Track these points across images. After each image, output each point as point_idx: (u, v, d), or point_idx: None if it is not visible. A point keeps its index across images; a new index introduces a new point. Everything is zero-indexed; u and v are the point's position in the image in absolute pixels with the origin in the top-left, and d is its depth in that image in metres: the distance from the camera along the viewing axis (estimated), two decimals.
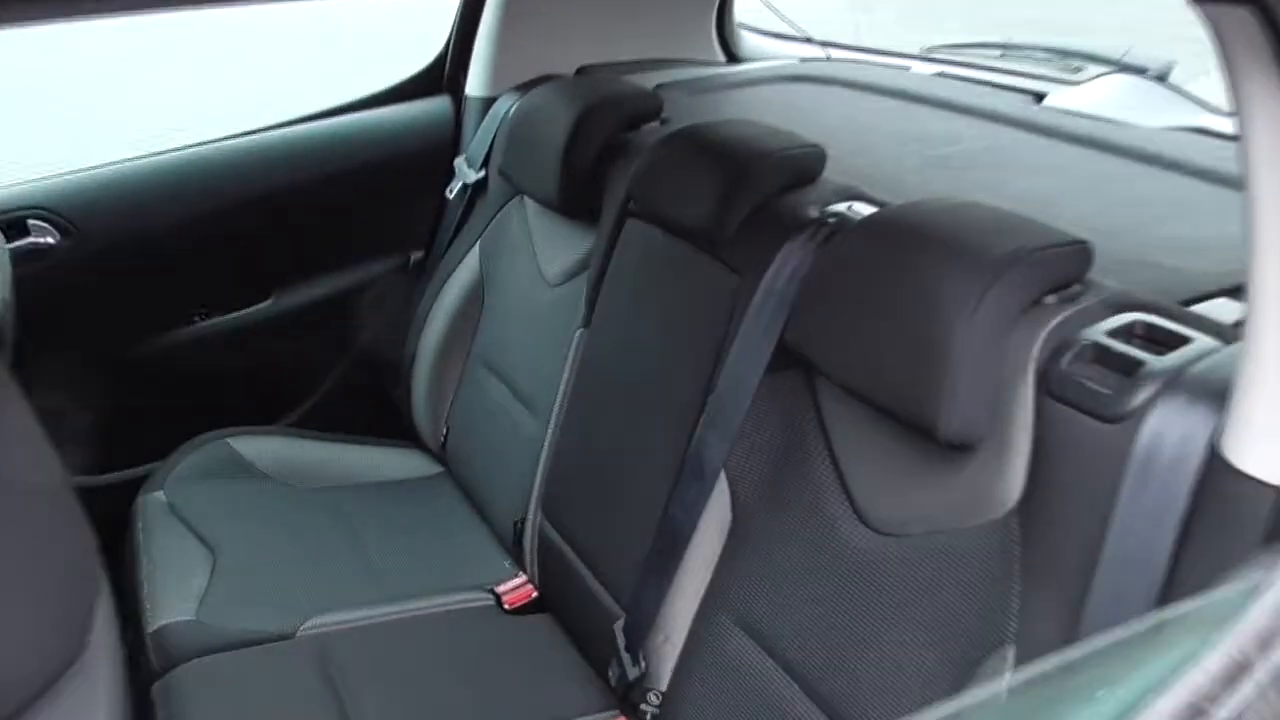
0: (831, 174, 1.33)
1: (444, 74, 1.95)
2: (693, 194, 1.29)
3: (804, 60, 2.00)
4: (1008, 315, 0.94)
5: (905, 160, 1.49)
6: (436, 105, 1.96)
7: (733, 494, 1.22)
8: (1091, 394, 0.88)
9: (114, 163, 1.78)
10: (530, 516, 1.56)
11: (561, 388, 1.54)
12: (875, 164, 1.44)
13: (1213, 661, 0.56)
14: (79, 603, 0.66)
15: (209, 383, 1.88)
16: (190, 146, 1.83)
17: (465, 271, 1.85)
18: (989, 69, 1.83)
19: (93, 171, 1.77)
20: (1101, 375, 0.89)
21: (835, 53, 2.05)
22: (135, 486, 1.70)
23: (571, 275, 1.59)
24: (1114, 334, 0.92)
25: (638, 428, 1.37)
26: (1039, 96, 1.68)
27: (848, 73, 1.88)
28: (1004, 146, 1.52)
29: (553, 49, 1.86)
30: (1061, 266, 0.97)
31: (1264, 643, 0.58)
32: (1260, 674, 0.56)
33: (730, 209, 1.26)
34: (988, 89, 1.76)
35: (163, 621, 1.43)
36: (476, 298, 1.84)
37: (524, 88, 1.80)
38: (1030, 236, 0.98)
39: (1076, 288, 0.98)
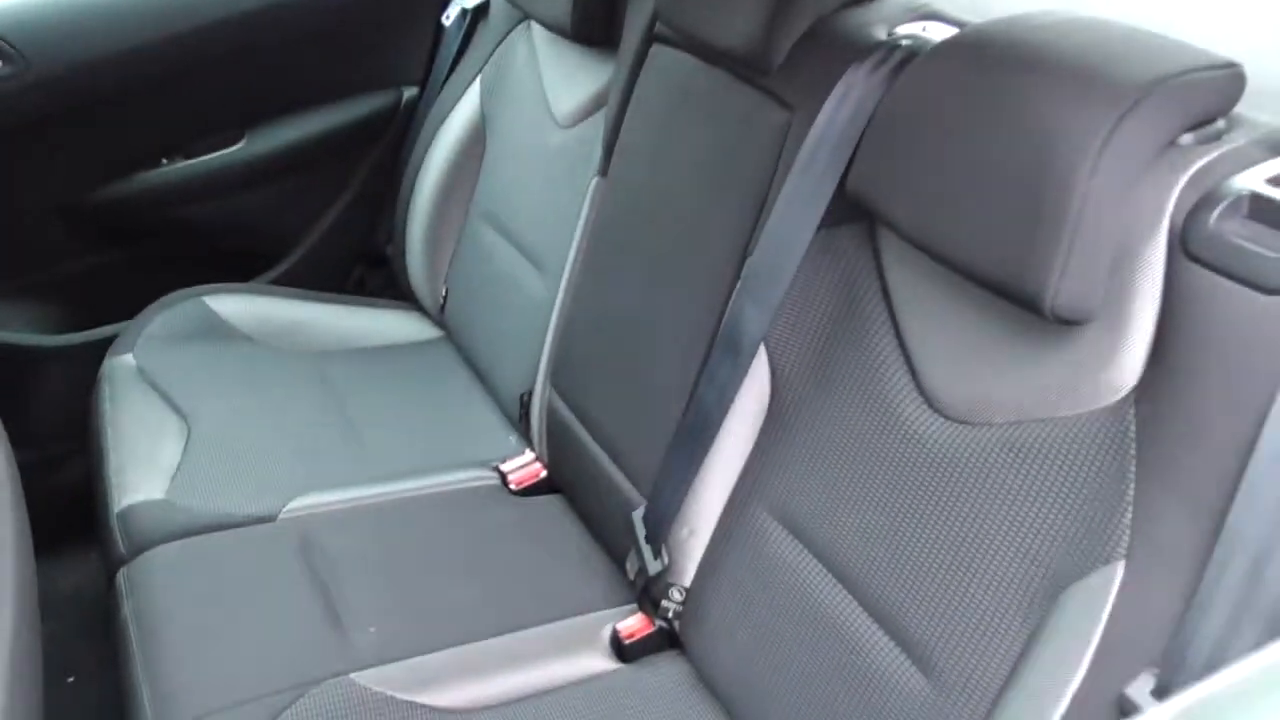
0: None
1: None
2: (733, 9, 1.07)
3: None
4: (1141, 158, 0.74)
5: None
6: None
7: (773, 370, 1.05)
8: (1247, 256, 0.70)
9: None
10: (538, 389, 1.40)
11: (574, 244, 1.35)
12: None
13: None
14: None
15: (181, 234, 1.69)
16: None
17: (465, 110, 1.65)
18: None
19: None
20: (1260, 233, 0.70)
21: None
22: (101, 349, 1.53)
23: (586, 114, 1.39)
24: (1276, 181, 0.72)
25: (663, 292, 1.19)
26: None
27: None
28: None
29: None
30: (1207, 96, 0.77)
31: None
32: None
33: (779, 29, 1.04)
34: None
35: (130, 501, 1.28)
36: (478, 140, 1.64)
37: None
38: (1168, 58, 0.77)
39: (1221, 124, 0.79)
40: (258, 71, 1.63)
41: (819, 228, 0.99)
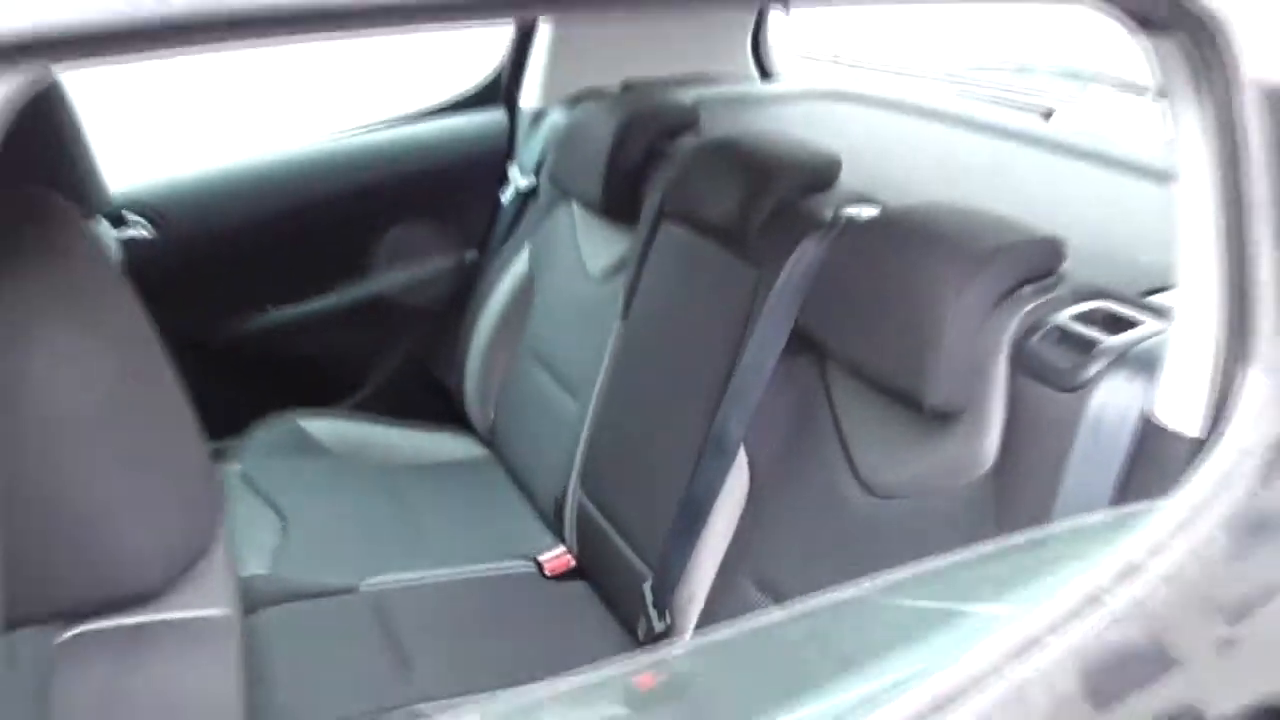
0: (850, 181, 1.47)
1: (500, 88, 2.12)
2: (720, 197, 1.44)
3: (833, 78, 2.15)
4: (987, 301, 1.08)
5: (919, 171, 1.63)
6: (493, 116, 2.13)
7: (751, 466, 1.36)
8: (1053, 368, 1.02)
9: (204, 164, 1.97)
10: (570, 492, 1.71)
11: (601, 374, 1.69)
12: (889, 172, 1.58)
13: (1111, 563, 0.70)
14: (210, 496, 0.81)
15: (280, 366, 2.05)
16: (270, 152, 2.01)
17: (516, 269, 2.01)
18: (1005, 88, 1.96)
19: (184, 172, 1.96)
20: (1062, 353, 1.03)
21: (862, 72, 2.19)
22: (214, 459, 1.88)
23: (613, 272, 1.75)
24: (1077, 318, 1.05)
25: (668, 409, 1.52)
26: (1048, 113, 1.81)
27: (872, 91, 2.03)
28: (1007, 159, 1.65)
29: (600, 65, 2.02)
30: (1035, 260, 1.11)
31: (1154, 550, 0.71)
32: (1149, 574, 0.70)
33: (753, 210, 1.41)
34: (1002, 107, 1.89)
35: (241, 574, 1.60)
36: (526, 293, 2.00)
37: (573, 101, 1.96)
38: (1007, 234, 1.12)
39: (1051, 279, 1.12)
40: (353, 235, 2.01)
41: (781, 356, 1.32)
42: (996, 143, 1.72)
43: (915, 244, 1.15)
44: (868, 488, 1.21)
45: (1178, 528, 0.73)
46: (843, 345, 1.22)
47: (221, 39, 0.51)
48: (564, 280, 1.89)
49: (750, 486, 1.36)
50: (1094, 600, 0.69)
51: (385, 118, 2.14)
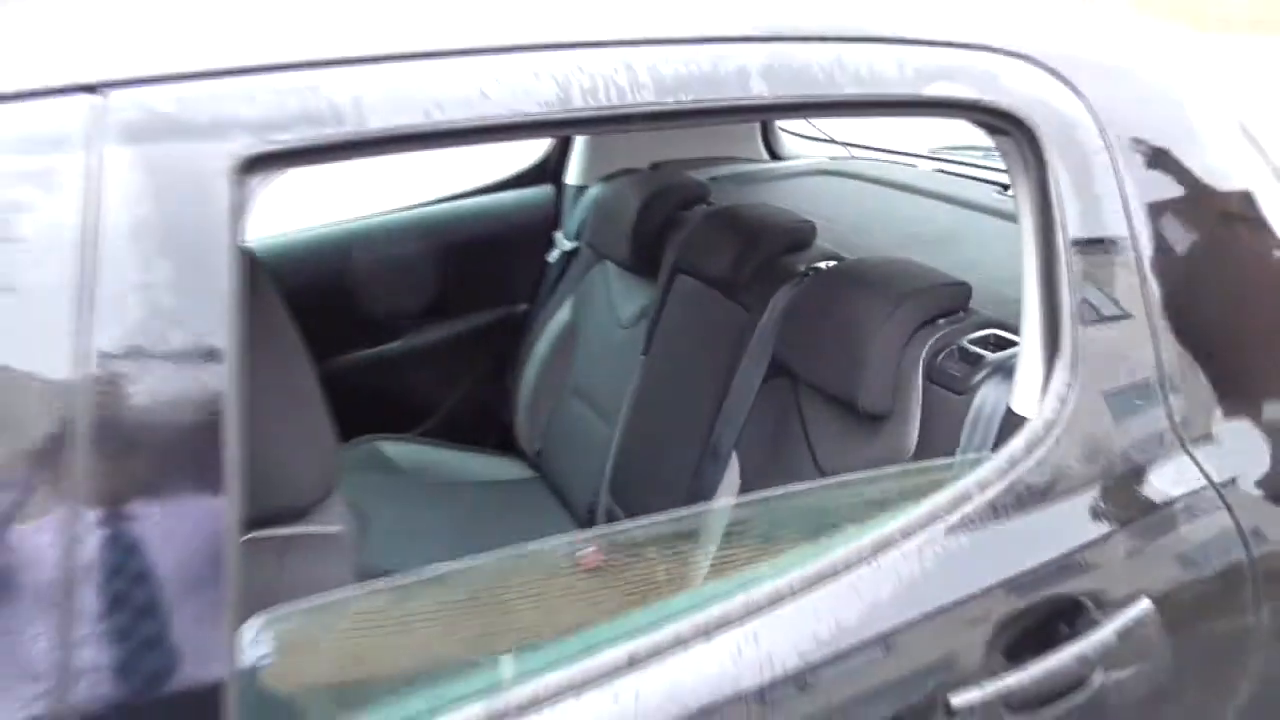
0: (825, 241, 1.83)
1: (548, 168, 2.52)
2: (720, 255, 1.81)
3: (831, 159, 2.52)
4: (904, 330, 1.42)
5: (888, 234, 1.98)
6: (542, 191, 2.52)
7: (741, 467, 1.71)
8: (951, 377, 1.36)
9: (307, 227, 2.38)
10: (601, 498, 2.06)
11: (627, 401, 2.05)
12: (863, 236, 1.94)
13: (950, 492, 1.04)
14: (334, 452, 1.17)
15: (363, 398, 2.43)
16: (361, 219, 2.42)
17: (560, 318, 2.39)
18: (976, 165, 2.32)
19: (292, 233, 2.36)
20: (959, 366, 1.37)
21: (857, 152, 2.55)
22: None
23: (639, 318, 2.12)
24: (973, 340, 1.39)
25: (677, 425, 1.87)
26: (1005, 187, 2.16)
27: (863, 169, 2.39)
28: (963, 225, 2.00)
29: (632, 149, 2.41)
30: (945, 300, 1.45)
31: (981, 485, 1.05)
32: (977, 500, 1.03)
33: (744, 265, 1.77)
34: (969, 181, 2.24)
35: None
36: (569, 339, 2.37)
37: (609, 178, 2.35)
38: (924, 281, 1.47)
39: (962, 314, 1.46)
40: (426, 289, 2.40)
41: (764, 379, 1.67)
42: (957, 211, 2.07)
43: (855, 288, 1.50)
44: (823, 473, 1.54)
45: (997, 472, 1.06)
46: (806, 368, 1.57)
47: (403, 149, 0.87)
48: (600, 326, 2.26)
49: (740, 483, 1.70)
50: (935, 517, 1.03)
51: (456, 191, 2.55)
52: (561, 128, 0.97)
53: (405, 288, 2.38)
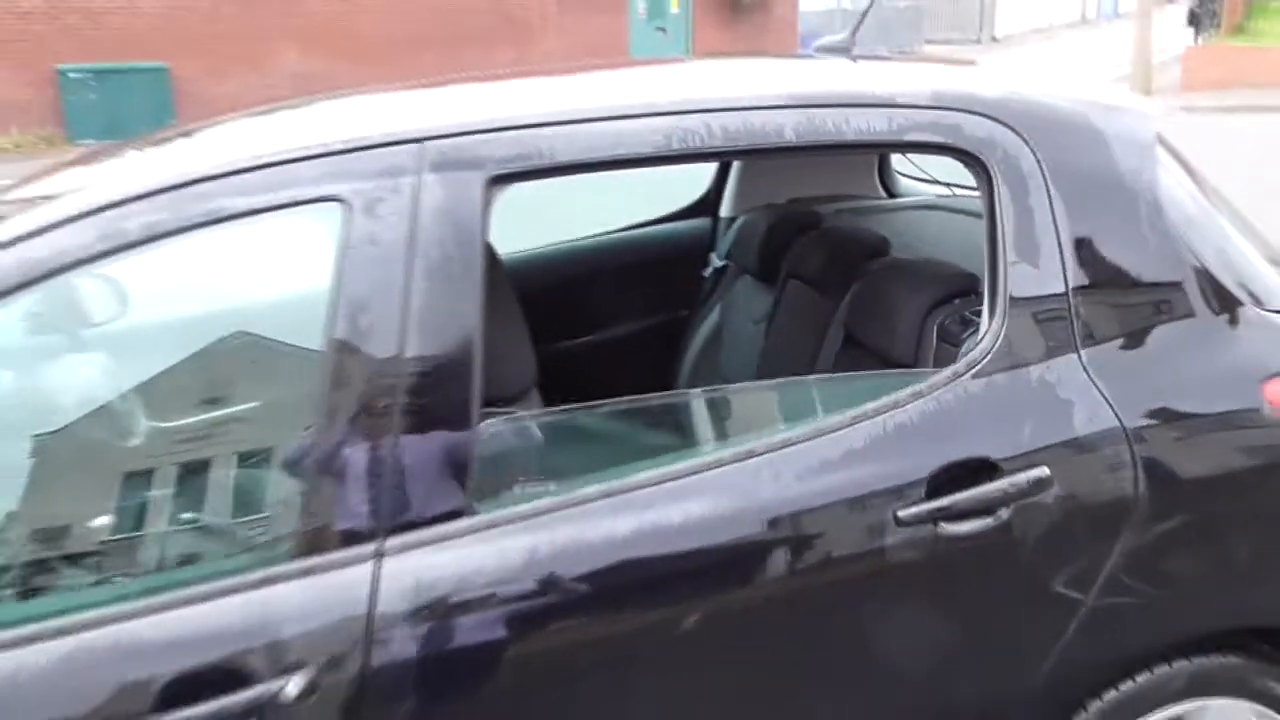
0: (899, 252, 2.43)
1: (706, 204, 3.21)
2: (817, 262, 2.44)
3: (937, 196, 3.09)
4: (925, 305, 2.02)
5: (954, 246, 2.55)
6: (702, 222, 3.22)
7: None
8: (951, 334, 1.95)
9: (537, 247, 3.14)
10: None
11: (754, 377, 2.69)
12: (932, 248, 2.52)
13: (910, 390, 1.65)
14: (532, 360, 1.89)
15: (553, 386, 3.17)
16: (561, 242, 3.18)
17: (711, 320, 3.06)
18: None
19: (528, 251, 3.12)
20: (959, 328, 1.95)
21: (959, 191, 3.12)
22: None
23: (766, 315, 2.76)
24: (973, 311, 1.97)
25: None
26: None
27: (959, 203, 2.95)
28: None
29: (773, 188, 3.06)
30: (957, 284, 2.04)
31: (933, 386, 1.65)
32: (930, 395, 1.64)
33: (832, 269, 2.40)
34: None
35: None
36: (718, 338, 3.03)
37: (752, 210, 3.01)
38: (944, 271, 2.06)
39: (973, 296, 2.04)
40: (610, 297, 3.12)
41: (837, 350, 2.29)
42: None
43: (897, 278, 2.11)
44: None
45: (946, 378, 1.65)
46: (862, 333, 2.18)
47: (576, 173, 1.59)
48: (738, 325, 2.91)
49: None
50: (898, 404, 1.63)
51: (639, 221, 3.28)
52: (667, 161, 1.65)
53: (599, 295, 3.10)
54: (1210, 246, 1.81)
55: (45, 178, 1.84)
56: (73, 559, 1.58)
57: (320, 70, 18.12)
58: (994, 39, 32.76)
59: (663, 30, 22.08)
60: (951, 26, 32.54)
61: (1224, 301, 1.78)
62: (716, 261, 3.11)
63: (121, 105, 16.57)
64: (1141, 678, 1.76)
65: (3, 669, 1.34)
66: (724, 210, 3.18)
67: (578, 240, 3.21)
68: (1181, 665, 1.77)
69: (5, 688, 1.34)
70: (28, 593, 1.55)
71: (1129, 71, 18.14)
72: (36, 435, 1.69)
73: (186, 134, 1.93)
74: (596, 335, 3.14)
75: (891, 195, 3.16)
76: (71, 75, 16.37)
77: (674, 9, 22.32)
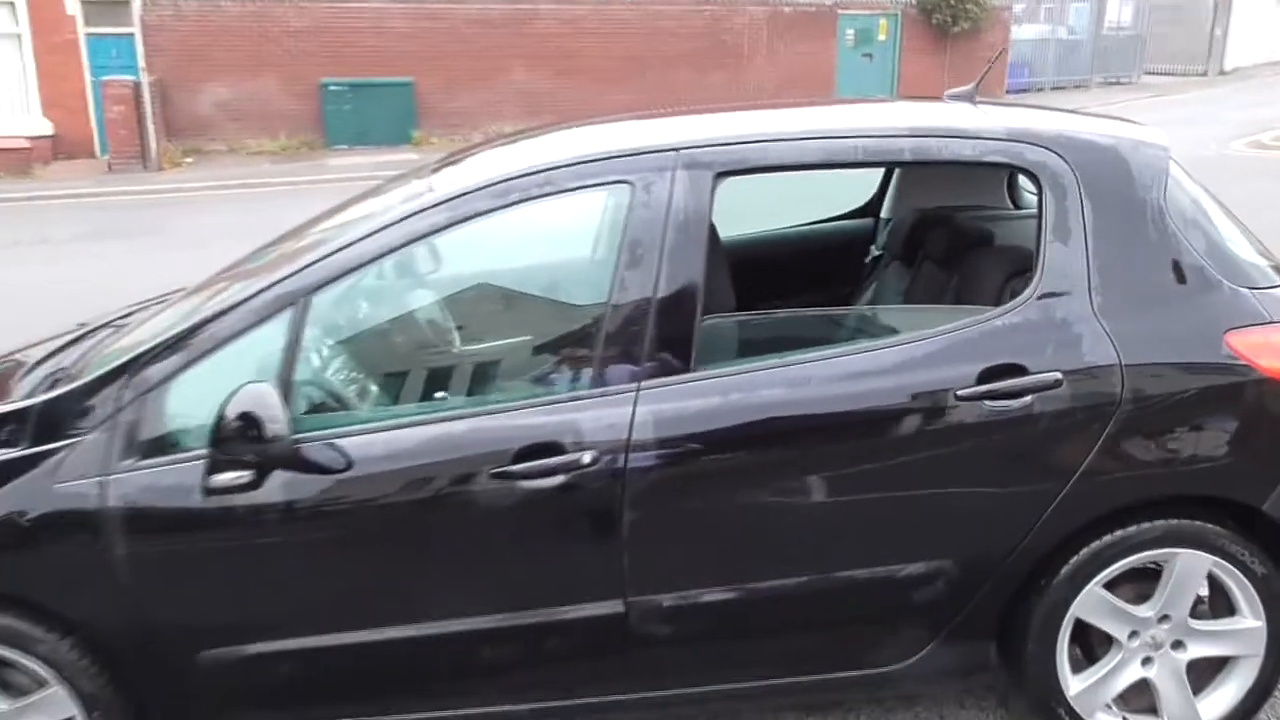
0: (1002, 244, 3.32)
1: (871, 207, 4.17)
2: (941, 245, 3.37)
3: None
4: (1007, 274, 2.92)
5: None
6: (866, 221, 4.17)
7: None
8: (1019, 292, 2.85)
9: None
10: None
11: None
12: (1026, 241, 3.39)
13: (960, 321, 2.60)
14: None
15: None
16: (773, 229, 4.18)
17: (867, 295, 3.99)
18: None
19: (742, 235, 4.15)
20: (1024, 288, 2.85)
21: None
22: None
23: (905, 288, 3.68)
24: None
25: None
26: None
27: None
28: None
29: (921, 197, 3.97)
30: (1029, 262, 2.93)
31: (983, 320, 2.59)
32: (983, 324, 2.58)
33: (953, 251, 3.31)
34: None
35: None
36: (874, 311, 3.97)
37: (904, 213, 3.94)
38: (1020, 253, 2.96)
39: None
40: (793, 275, 4.10)
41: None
42: None
43: (989, 258, 3.02)
44: None
45: (993, 318, 2.57)
46: (969, 296, 3.09)
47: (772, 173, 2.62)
48: (887, 298, 3.84)
49: None
50: (955, 330, 2.56)
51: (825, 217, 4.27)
52: (827, 168, 2.65)
53: (789, 272, 4.07)
54: (1201, 241, 2.66)
55: (449, 165, 3.02)
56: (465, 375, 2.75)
57: (545, 88, 19.86)
58: (1222, 72, 31.66)
59: (869, 56, 22.79)
60: (1176, 57, 31.71)
61: (1205, 278, 2.62)
62: (875, 251, 4.05)
63: (372, 115, 18.68)
64: (1131, 527, 2.62)
65: (421, 435, 2.48)
66: (883, 213, 4.12)
67: (779, 229, 4.22)
68: (1159, 522, 2.62)
69: (417, 445, 2.47)
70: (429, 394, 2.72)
71: None
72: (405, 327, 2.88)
73: (514, 141, 3.07)
74: (781, 302, 4.13)
75: (1017, 207, 4.02)
76: (331, 88, 18.57)
77: (881, 36, 22.99)
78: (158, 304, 3.34)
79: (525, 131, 3.37)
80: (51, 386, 2.77)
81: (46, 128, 17.25)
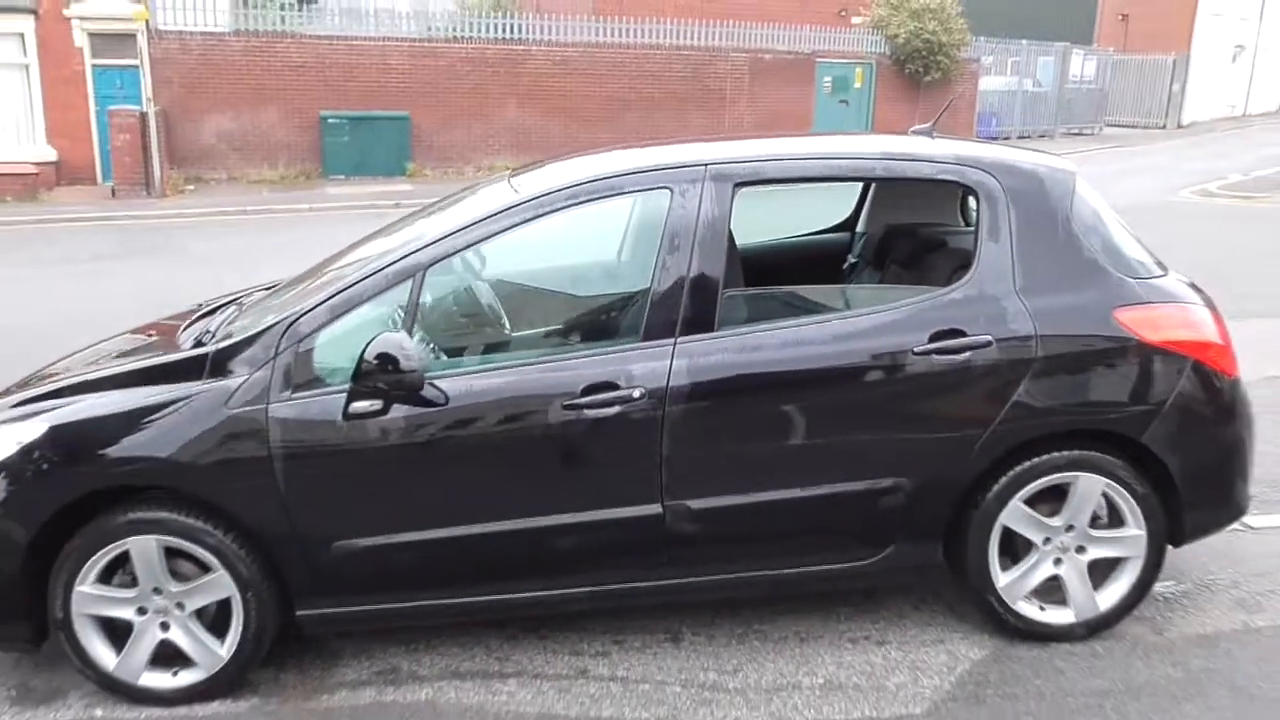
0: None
1: (850, 222, 5.03)
2: (907, 252, 4.23)
3: None
4: (954, 268, 3.78)
5: None
6: (845, 235, 5.04)
7: None
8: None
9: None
10: None
11: None
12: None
13: (921, 297, 3.46)
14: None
15: None
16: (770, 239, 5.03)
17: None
18: None
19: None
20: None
21: None
22: None
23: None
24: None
25: None
26: None
27: None
28: None
29: (887, 215, 4.83)
30: (973, 258, 3.80)
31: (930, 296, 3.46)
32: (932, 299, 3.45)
33: (913, 254, 4.17)
34: None
35: None
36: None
37: (876, 227, 4.80)
38: (968, 253, 3.83)
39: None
40: (784, 275, 4.95)
41: None
42: None
43: (944, 257, 3.88)
44: None
45: (940, 296, 3.42)
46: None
47: (778, 186, 3.48)
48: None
49: None
50: (912, 304, 3.41)
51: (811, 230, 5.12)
52: (818, 180, 3.53)
53: (782, 272, 4.90)
54: (1098, 241, 3.53)
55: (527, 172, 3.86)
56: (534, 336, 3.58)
57: (535, 124, 20.83)
58: (1180, 125, 33.17)
59: (845, 103, 23.94)
60: (1137, 111, 33.21)
61: (1099, 269, 3.49)
62: (851, 259, 4.91)
63: (368, 147, 19.55)
64: (1043, 455, 3.46)
65: (502, 380, 3.32)
66: (859, 227, 4.99)
67: (773, 240, 5.07)
68: (1065, 453, 3.47)
69: (507, 384, 3.29)
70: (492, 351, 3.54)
71: None
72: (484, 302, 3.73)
73: (570, 159, 3.92)
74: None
75: (967, 224, 4.89)
76: (330, 120, 19.43)
77: (857, 84, 24.17)
78: (260, 291, 4.17)
79: (580, 152, 4.21)
80: (198, 344, 3.57)
81: (51, 154, 18.01)
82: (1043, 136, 28.04)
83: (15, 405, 3.46)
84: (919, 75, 24.35)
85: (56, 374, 3.76)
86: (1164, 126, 32.84)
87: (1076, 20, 33.79)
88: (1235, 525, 3.82)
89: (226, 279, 9.70)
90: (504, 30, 21.12)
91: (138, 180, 17.26)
